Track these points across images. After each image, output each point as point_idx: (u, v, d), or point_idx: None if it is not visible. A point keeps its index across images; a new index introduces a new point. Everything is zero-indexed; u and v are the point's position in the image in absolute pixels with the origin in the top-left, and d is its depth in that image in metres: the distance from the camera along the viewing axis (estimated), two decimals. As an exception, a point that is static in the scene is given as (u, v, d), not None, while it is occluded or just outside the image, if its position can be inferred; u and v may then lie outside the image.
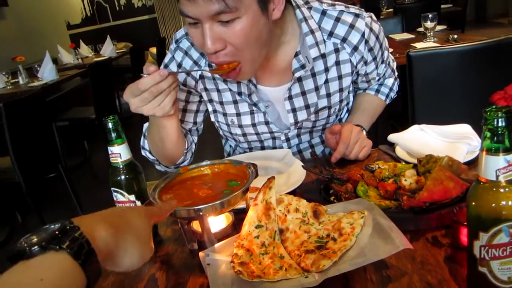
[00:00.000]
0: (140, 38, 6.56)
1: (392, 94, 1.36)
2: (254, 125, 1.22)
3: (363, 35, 1.11)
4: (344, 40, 1.11)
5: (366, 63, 1.17)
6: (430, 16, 2.68)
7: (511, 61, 1.91)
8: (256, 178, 0.82)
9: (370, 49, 1.15)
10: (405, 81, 2.00)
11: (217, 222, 0.85)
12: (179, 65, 1.17)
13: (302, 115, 1.18)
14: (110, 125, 0.85)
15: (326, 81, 1.15)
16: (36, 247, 0.43)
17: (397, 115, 2.40)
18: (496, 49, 1.90)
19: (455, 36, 2.60)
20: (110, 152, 0.86)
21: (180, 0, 0.88)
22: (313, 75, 1.13)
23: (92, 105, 3.89)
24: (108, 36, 5.74)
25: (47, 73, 4.14)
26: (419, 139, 1.13)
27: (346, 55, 1.13)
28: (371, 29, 1.12)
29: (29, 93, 2.87)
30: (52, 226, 0.46)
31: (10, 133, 2.57)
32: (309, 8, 1.10)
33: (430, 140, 1.13)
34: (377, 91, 1.33)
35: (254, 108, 1.18)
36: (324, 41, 1.10)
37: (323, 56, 1.11)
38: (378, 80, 1.31)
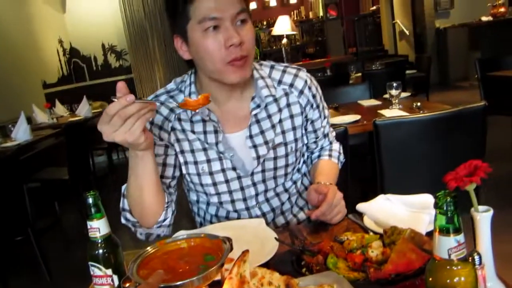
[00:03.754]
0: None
1: (341, 158, 1.53)
2: (223, 170, 1.32)
3: (306, 82, 1.35)
4: (291, 85, 1.34)
5: (312, 107, 1.37)
6: (394, 84, 2.85)
7: (470, 128, 2.05)
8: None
9: (314, 96, 1.37)
10: (373, 146, 2.11)
11: (193, 296, 0.87)
12: (151, 123, 1.29)
13: (262, 150, 1.32)
14: (90, 200, 0.88)
15: (280, 120, 1.34)
16: None
17: (367, 180, 2.49)
18: (455, 118, 2.03)
19: (419, 104, 2.76)
20: (89, 227, 0.88)
21: (211, 4, 1.12)
22: (269, 116, 1.33)
23: (65, 166, 3.85)
24: (84, 96, 5.78)
25: (21, 133, 4.12)
26: (385, 209, 1.19)
27: (295, 97, 1.35)
28: (311, 79, 1.38)
29: (1, 155, 2.85)
30: None
31: (-20, 196, 2.53)
32: (260, 64, 1.36)
33: (395, 210, 1.19)
34: (329, 155, 1.49)
35: (221, 155, 1.31)
36: (275, 87, 1.32)
37: (275, 100, 1.32)
38: (325, 137, 1.48)
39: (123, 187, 1.23)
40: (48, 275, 3.07)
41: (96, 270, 0.88)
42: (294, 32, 8.75)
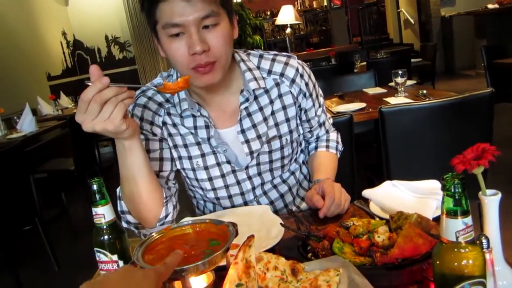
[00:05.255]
0: (120, 89, 6.60)
1: (340, 147, 1.50)
2: (218, 164, 1.29)
3: (297, 70, 1.29)
4: (282, 75, 1.28)
5: (305, 96, 1.32)
6: (400, 72, 2.83)
7: (476, 115, 2.03)
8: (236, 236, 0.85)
9: (306, 84, 1.31)
10: (379, 134, 2.09)
11: (199, 281, 0.87)
12: (141, 119, 1.24)
13: (255, 145, 1.28)
14: (94, 187, 0.87)
15: (273, 113, 1.29)
16: None
17: (373, 167, 2.48)
18: (461, 105, 2.01)
19: (425, 91, 2.74)
20: (94, 213, 0.88)
21: (173, 10, 1.04)
22: (260, 109, 1.27)
23: (71, 156, 3.87)
24: (88, 87, 5.78)
25: (26, 125, 4.13)
26: (391, 195, 1.18)
27: (286, 87, 1.29)
28: (303, 67, 1.32)
29: (7, 146, 2.86)
30: None
31: (-13, 186, 2.54)
32: (248, 54, 1.30)
33: (401, 195, 1.18)
34: (327, 147, 1.45)
35: (215, 149, 1.28)
36: (264, 78, 1.27)
37: (266, 91, 1.27)
38: (320, 126, 1.44)
39: (118, 189, 1.18)
40: (56, 264, 3.10)
41: (102, 256, 0.88)
42: (298, 22, 8.69)
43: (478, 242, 0.67)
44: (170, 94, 1.16)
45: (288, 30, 8.68)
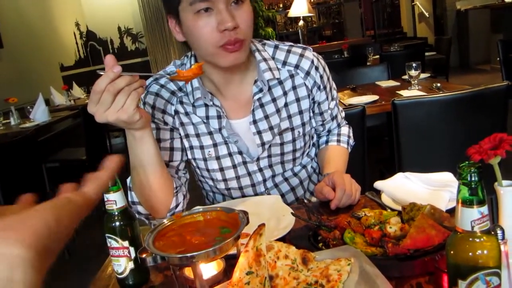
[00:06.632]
0: (132, 80, 6.63)
1: (351, 141, 1.47)
2: (230, 154, 1.28)
3: (312, 62, 1.27)
4: (297, 66, 1.27)
5: (319, 88, 1.30)
6: (414, 65, 2.80)
7: (491, 109, 2.00)
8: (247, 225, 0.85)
9: (321, 76, 1.30)
10: (391, 127, 2.07)
11: (209, 269, 0.87)
12: (153, 107, 1.23)
13: (267, 136, 1.27)
14: (107, 172, 0.88)
15: (286, 104, 1.28)
16: None
17: (385, 160, 2.46)
18: (476, 98, 1.99)
19: (439, 85, 2.70)
20: (105, 200, 0.88)
21: None
22: (273, 100, 1.26)
23: (83, 146, 3.91)
24: (101, 78, 5.82)
25: (39, 114, 4.17)
26: (404, 187, 1.17)
27: (300, 79, 1.28)
28: (318, 59, 1.30)
29: (21, 135, 2.90)
30: None
31: (0, 174, 2.58)
32: (263, 44, 1.28)
33: (414, 187, 1.17)
34: (338, 141, 1.43)
35: (227, 139, 1.27)
36: (279, 69, 1.25)
37: (280, 82, 1.26)
38: (332, 120, 1.41)
39: (128, 180, 1.17)
40: (67, 252, 3.14)
41: (113, 242, 0.89)
42: (311, 14, 8.60)
43: (493, 233, 0.66)
44: (184, 81, 1.14)
45: (301, 23, 8.61)
